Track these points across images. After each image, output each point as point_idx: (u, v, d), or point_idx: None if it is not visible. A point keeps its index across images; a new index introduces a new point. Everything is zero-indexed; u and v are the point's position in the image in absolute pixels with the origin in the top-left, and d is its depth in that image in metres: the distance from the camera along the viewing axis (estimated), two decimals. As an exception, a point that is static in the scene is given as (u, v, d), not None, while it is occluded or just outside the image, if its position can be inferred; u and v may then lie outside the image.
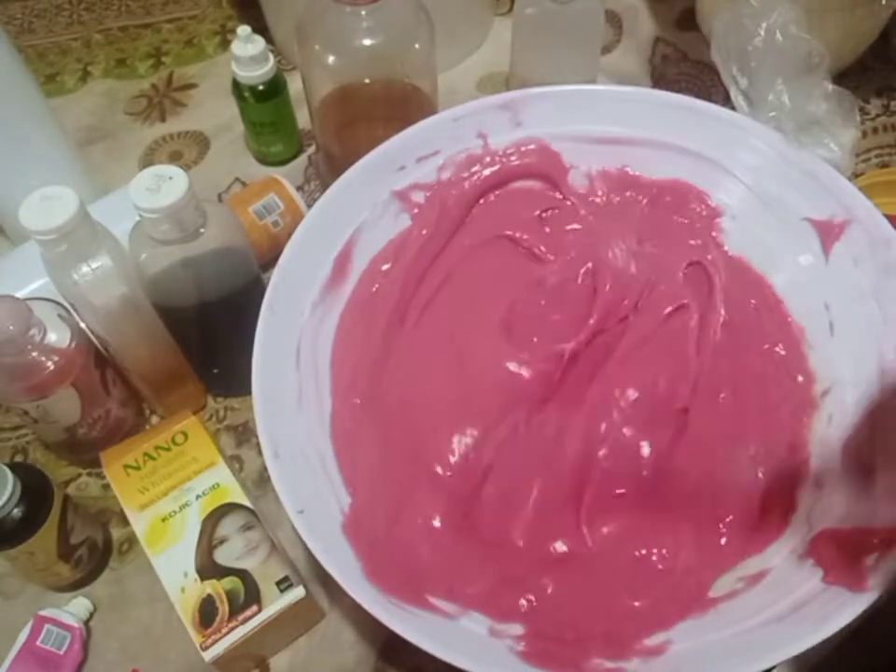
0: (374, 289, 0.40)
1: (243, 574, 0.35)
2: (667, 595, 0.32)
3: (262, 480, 0.43)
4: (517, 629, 0.31)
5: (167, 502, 0.37)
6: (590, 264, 0.39)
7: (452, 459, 0.36)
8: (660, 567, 0.33)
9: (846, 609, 0.28)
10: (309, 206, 0.42)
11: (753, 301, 0.39)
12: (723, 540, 0.34)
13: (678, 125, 0.40)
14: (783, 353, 0.38)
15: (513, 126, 0.41)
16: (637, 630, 0.30)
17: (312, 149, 0.55)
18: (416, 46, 0.43)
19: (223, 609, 0.34)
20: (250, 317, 0.35)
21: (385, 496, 0.34)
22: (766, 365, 0.37)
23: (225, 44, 0.62)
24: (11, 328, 0.34)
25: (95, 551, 0.40)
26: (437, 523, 0.34)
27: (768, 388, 0.37)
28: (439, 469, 0.35)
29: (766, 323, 0.38)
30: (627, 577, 0.33)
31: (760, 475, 0.35)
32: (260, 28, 0.55)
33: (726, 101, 0.40)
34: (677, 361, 0.37)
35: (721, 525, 0.34)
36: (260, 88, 0.50)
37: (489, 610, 0.31)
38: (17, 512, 0.35)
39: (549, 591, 0.33)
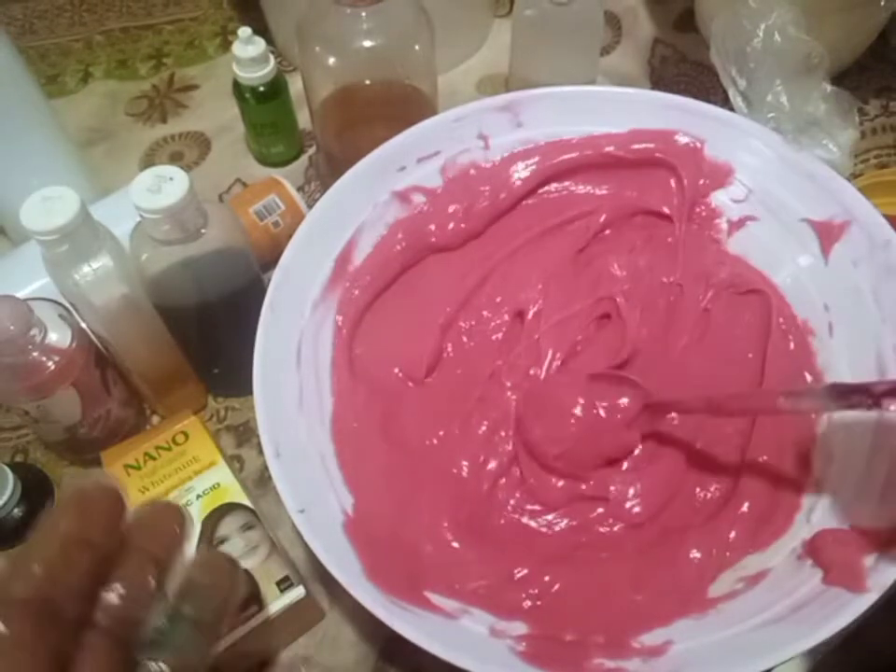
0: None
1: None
2: (668, 586, 0.32)
3: (262, 479, 0.43)
4: (519, 627, 0.31)
5: (167, 502, 0.37)
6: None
7: (462, 458, 0.36)
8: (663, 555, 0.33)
9: (846, 609, 0.28)
10: (310, 207, 0.42)
11: (757, 296, 0.39)
12: (732, 534, 0.33)
13: (677, 126, 0.40)
14: (792, 347, 0.38)
15: (514, 127, 0.41)
16: (637, 625, 0.30)
17: (312, 150, 0.55)
18: (416, 47, 0.44)
19: (223, 608, 0.34)
20: (251, 318, 0.35)
21: (390, 495, 0.34)
22: (780, 357, 0.37)
23: (226, 45, 0.62)
24: (12, 328, 0.34)
25: (95, 551, 0.40)
26: (445, 521, 0.34)
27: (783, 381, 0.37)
28: (450, 468, 0.36)
29: (774, 316, 0.38)
30: (631, 568, 0.33)
31: (769, 472, 0.35)
32: (261, 29, 0.55)
33: (725, 102, 0.41)
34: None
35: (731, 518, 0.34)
36: (261, 89, 0.50)
37: (492, 607, 0.31)
38: (17, 512, 0.35)
39: (552, 585, 0.33)
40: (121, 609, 0.19)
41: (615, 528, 0.35)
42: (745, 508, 0.34)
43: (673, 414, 0.36)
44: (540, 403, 0.37)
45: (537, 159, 0.41)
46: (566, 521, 0.35)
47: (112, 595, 0.19)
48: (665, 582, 0.32)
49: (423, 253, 0.40)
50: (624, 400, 0.36)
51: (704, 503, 0.35)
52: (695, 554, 0.33)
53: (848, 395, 0.28)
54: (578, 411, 0.36)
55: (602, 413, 0.36)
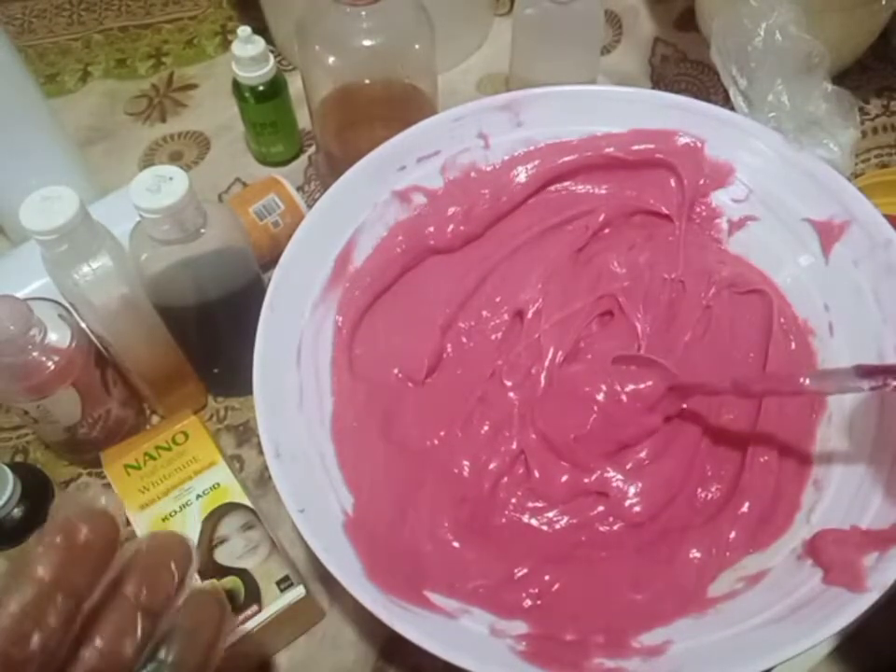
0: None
1: (243, 574, 0.35)
2: (668, 586, 0.32)
3: (262, 479, 0.43)
4: (519, 627, 0.31)
5: (168, 502, 0.37)
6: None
7: (463, 458, 0.36)
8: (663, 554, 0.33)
9: (845, 609, 0.28)
10: (309, 206, 0.42)
11: (758, 295, 0.39)
12: (733, 534, 0.33)
13: (677, 126, 0.40)
14: (793, 346, 0.38)
15: (514, 126, 0.41)
16: (637, 625, 0.30)
17: (312, 150, 0.55)
18: (416, 46, 0.43)
19: (223, 608, 0.34)
20: (250, 317, 0.35)
21: (390, 495, 0.34)
22: (781, 357, 0.37)
23: (225, 44, 0.62)
24: (12, 328, 0.34)
25: (95, 551, 0.40)
26: (445, 521, 0.34)
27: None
28: (451, 468, 0.36)
29: (775, 316, 0.38)
30: (631, 568, 0.33)
31: (770, 472, 0.35)
32: (261, 28, 0.55)
33: (726, 101, 0.41)
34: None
35: (731, 518, 0.34)
36: (261, 88, 0.50)
37: (492, 607, 0.31)
38: (17, 512, 0.35)
39: (552, 584, 0.33)
40: (100, 665, 0.18)
41: (615, 527, 0.35)
42: (745, 508, 0.34)
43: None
44: (562, 390, 0.37)
45: (537, 162, 0.41)
46: (566, 518, 0.36)
47: (91, 651, 0.18)
48: (665, 582, 0.32)
49: (423, 255, 0.40)
50: (649, 383, 0.36)
51: (705, 503, 0.35)
52: (695, 554, 0.33)
53: (874, 375, 0.27)
54: (600, 396, 0.36)
55: (624, 398, 0.36)
